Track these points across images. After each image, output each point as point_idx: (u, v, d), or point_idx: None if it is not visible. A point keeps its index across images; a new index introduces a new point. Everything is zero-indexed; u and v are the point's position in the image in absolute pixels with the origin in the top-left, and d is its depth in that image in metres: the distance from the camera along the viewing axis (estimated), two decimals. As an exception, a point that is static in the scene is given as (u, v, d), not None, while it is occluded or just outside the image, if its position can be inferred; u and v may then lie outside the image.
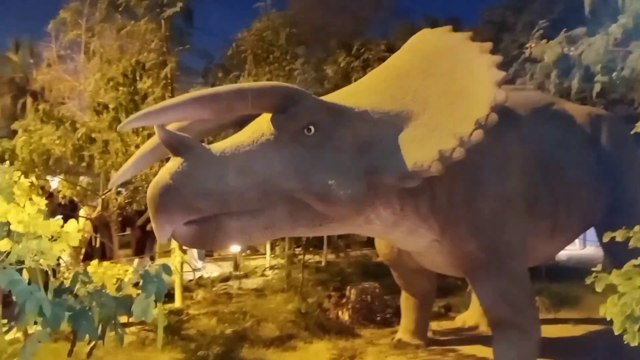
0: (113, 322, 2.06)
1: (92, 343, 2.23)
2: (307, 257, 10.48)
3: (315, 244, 10.64)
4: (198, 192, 3.38)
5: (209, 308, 8.01)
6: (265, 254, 12.11)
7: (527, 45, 6.04)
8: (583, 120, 5.87)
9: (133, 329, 6.59)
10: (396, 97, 4.27)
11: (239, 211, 3.56)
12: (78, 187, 6.51)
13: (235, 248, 11.78)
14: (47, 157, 6.13)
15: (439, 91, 4.25)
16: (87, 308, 1.88)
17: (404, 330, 6.40)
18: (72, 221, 2.05)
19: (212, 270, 11.41)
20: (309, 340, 6.64)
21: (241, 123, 4.04)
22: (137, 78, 6.92)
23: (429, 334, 6.67)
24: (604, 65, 4.85)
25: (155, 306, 2.00)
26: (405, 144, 3.95)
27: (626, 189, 5.77)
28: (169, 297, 8.67)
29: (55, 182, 8.29)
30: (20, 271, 1.96)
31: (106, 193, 6.57)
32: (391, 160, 3.90)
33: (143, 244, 11.78)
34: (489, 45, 4.42)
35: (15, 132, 8.47)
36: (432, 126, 4.02)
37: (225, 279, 10.40)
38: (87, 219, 7.76)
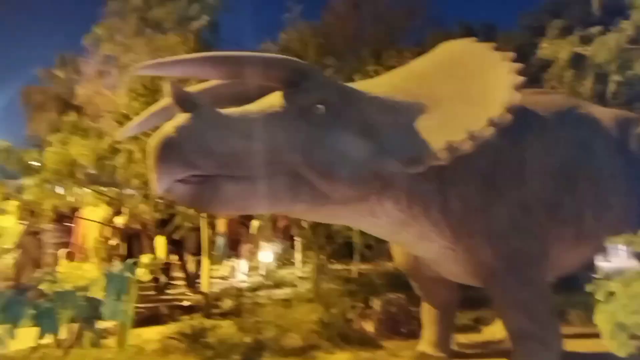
0: (88, 323, 2.08)
1: (69, 344, 2.26)
2: (338, 267, 10.42)
3: (344, 254, 10.54)
4: (199, 149, 3.35)
5: (234, 317, 8.03)
6: (295, 263, 12.14)
7: (540, 45, 5.84)
8: (610, 124, 5.64)
9: (156, 336, 6.70)
10: (411, 91, 4.27)
11: (238, 175, 3.51)
12: (105, 198, 6.67)
13: (265, 257, 11.90)
14: (73, 168, 6.32)
15: (455, 92, 4.22)
16: (52, 308, 1.91)
17: (425, 342, 6.20)
18: (9, 217, 2.10)
19: (242, 279, 11.52)
20: (331, 351, 6.54)
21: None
22: (156, 89, 7.08)
23: (455, 347, 6.47)
24: (620, 64, 4.62)
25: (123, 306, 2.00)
26: (413, 132, 3.94)
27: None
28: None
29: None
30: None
31: (129, 200, 6.71)
32: (397, 145, 3.88)
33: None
34: (511, 54, 4.36)
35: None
36: (443, 120, 3.99)
37: (255, 288, 10.44)
38: (113, 227, 7.98)
